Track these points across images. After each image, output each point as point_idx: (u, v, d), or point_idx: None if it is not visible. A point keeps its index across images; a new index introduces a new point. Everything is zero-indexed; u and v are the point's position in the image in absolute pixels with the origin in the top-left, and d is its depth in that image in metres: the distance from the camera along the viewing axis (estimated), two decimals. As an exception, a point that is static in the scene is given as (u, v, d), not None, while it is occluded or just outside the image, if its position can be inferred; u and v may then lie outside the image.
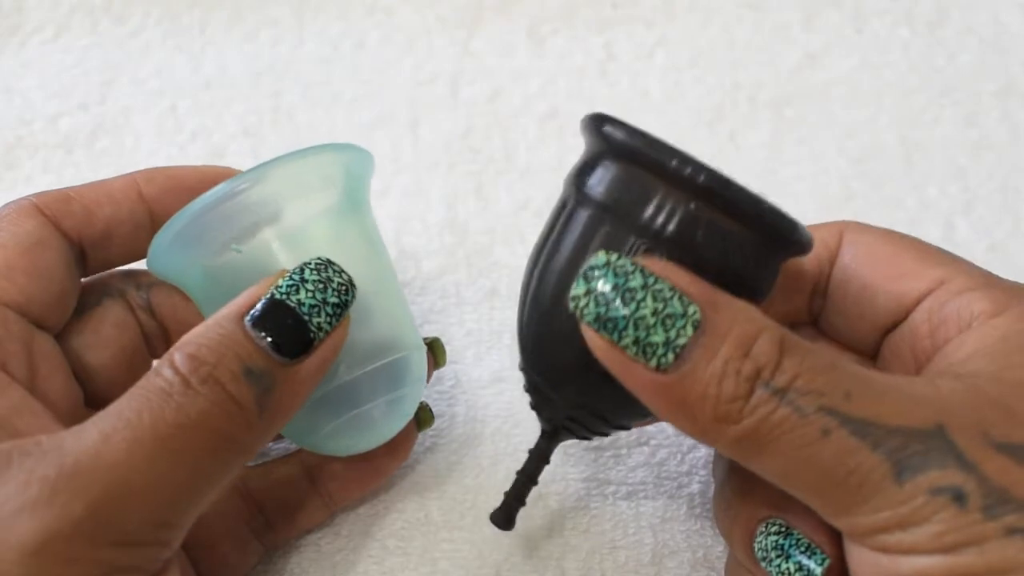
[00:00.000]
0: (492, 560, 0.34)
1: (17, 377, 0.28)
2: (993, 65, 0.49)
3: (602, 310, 0.25)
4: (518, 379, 0.39)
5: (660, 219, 0.26)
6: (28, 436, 0.25)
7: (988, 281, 0.28)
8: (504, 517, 0.31)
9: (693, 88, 0.48)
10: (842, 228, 0.30)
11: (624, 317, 0.25)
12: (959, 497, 0.23)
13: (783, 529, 0.27)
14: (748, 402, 0.24)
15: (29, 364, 0.28)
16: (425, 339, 0.35)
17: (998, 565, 0.23)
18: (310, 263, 0.28)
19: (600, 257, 0.25)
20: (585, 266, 0.25)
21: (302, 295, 0.27)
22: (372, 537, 0.35)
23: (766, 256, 0.27)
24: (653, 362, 0.24)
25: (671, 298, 0.25)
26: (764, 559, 0.28)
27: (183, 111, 0.48)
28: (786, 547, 0.27)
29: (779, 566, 0.27)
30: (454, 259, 0.42)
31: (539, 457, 0.31)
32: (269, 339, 0.27)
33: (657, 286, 0.25)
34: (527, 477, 0.31)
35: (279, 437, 0.35)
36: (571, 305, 0.25)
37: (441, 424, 0.37)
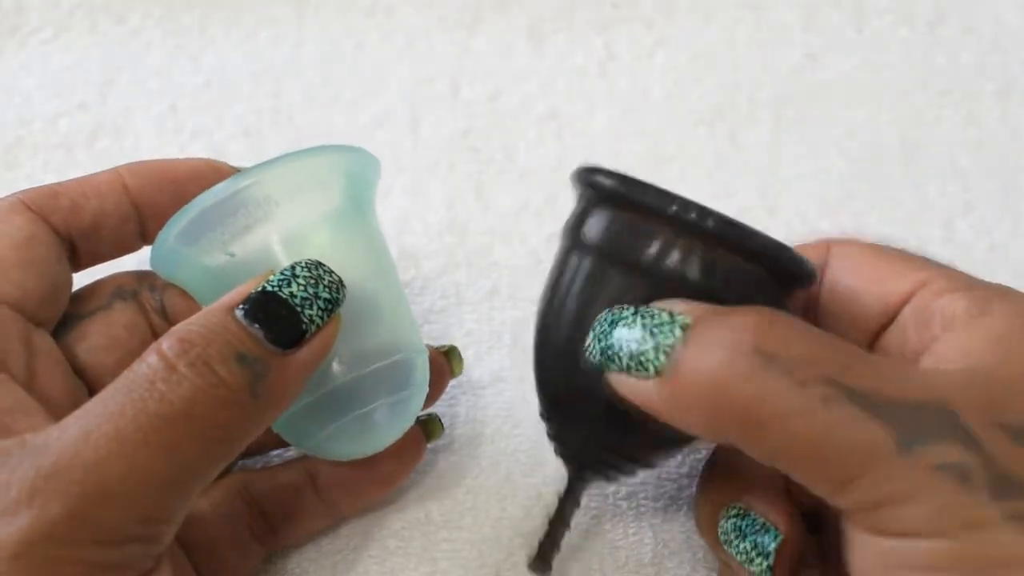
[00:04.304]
0: (492, 560, 0.34)
1: (16, 375, 0.27)
2: (993, 65, 0.49)
3: (603, 345, 0.26)
4: (518, 379, 0.39)
5: (662, 263, 0.27)
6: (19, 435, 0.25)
7: (969, 283, 0.28)
8: (541, 564, 0.32)
9: (693, 88, 0.48)
10: (828, 244, 0.31)
11: (619, 341, 0.26)
12: (964, 476, 0.22)
13: (741, 512, 0.29)
14: (735, 369, 0.24)
15: (28, 362, 0.28)
16: (440, 347, 0.35)
17: (997, 553, 0.22)
18: (300, 262, 0.28)
19: (604, 312, 0.27)
20: (592, 321, 0.27)
21: (294, 288, 0.27)
22: (372, 537, 0.35)
23: (773, 293, 0.28)
24: (650, 369, 0.25)
25: (659, 313, 0.26)
26: (726, 542, 0.29)
27: (183, 111, 0.47)
28: (743, 528, 0.29)
29: (738, 546, 0.29)
30: (454, 259, 0.42)
31: (570, 501, 0.31)
32: (262, 329, 0.26)
33: (649, 311, 0.26)
34: (560, 521, 0.31)
35: (283, 443, 0.34)
36: (584, 355, 0.27)
37: (441, 424, 0.37)
